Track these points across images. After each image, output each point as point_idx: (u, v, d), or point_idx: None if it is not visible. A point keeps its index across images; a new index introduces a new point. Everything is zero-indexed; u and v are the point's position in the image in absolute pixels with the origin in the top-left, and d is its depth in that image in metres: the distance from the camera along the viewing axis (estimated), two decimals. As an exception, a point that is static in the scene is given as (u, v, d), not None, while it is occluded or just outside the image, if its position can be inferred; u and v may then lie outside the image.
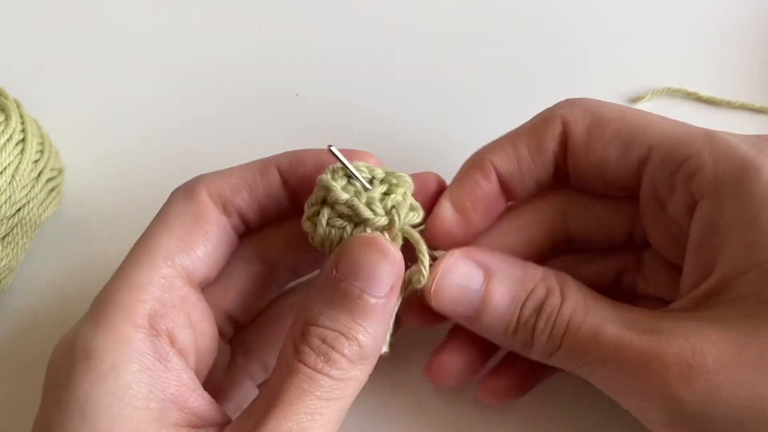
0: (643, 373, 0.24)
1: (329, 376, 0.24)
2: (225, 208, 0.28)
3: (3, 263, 0.33)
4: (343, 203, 0.26)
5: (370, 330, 0.25)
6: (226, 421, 0.26)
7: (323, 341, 0.24)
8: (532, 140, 0.28)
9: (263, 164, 0.29)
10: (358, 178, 0.27)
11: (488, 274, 0.27)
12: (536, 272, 0.27)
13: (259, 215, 0.29)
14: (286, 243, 0.30)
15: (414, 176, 0.28)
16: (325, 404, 0.24)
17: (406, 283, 0.27)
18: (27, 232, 0.34)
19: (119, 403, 0.23)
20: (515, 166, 0.28)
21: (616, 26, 0.41)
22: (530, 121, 0.29)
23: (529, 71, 0.39)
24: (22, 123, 0.34)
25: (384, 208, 0.26)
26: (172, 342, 0.26)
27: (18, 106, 0.35)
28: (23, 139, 0.33)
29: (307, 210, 0.27)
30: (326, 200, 0.27)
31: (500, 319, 0.27)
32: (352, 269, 0.25)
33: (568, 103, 0.29)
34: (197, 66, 0.41)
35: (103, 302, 0.26)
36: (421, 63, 0.40)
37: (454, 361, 0.30)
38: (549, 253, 0.30)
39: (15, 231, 0.34)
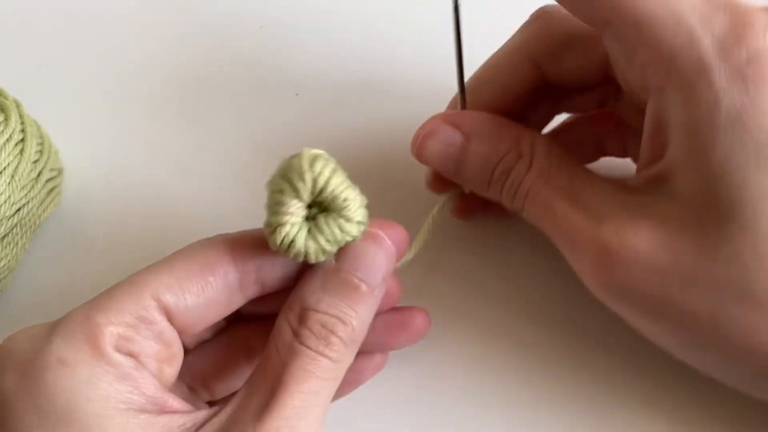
0: (575, 251, 0.27)
1: (329, 358, 0.26)
2: (243, 266, 0.27)
3: (2, 263, 0.33)
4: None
5: (362, 316, 0.27)
6: (209, 413, 0.26)
7: (323, 326, 0.26)
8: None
9: None
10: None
11: (467, 136, 0.30)
12: (511, 133, 0.30)
13: (280, 284, 0.28)
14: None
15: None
16: (323, 384, 0.26)
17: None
18: (26, 232, 0.34)
19: (105, 406, 0.24)
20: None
21: None
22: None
23: None
24: (22, 123, 0.34)
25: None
26: (138, 364, 0.25)
27: (18, 106, 0.34)
28: (23, 140, 0.33)
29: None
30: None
31: (476, 176, 0.30)
32: (355, 260, 0.27)
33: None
34: (197, 66, 0.41)
35: (77, 316, 0.25)
36: (422, 63, 0.40)
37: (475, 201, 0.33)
38: (530, 98, 0.32)
39: (14, 231, 0.34)
